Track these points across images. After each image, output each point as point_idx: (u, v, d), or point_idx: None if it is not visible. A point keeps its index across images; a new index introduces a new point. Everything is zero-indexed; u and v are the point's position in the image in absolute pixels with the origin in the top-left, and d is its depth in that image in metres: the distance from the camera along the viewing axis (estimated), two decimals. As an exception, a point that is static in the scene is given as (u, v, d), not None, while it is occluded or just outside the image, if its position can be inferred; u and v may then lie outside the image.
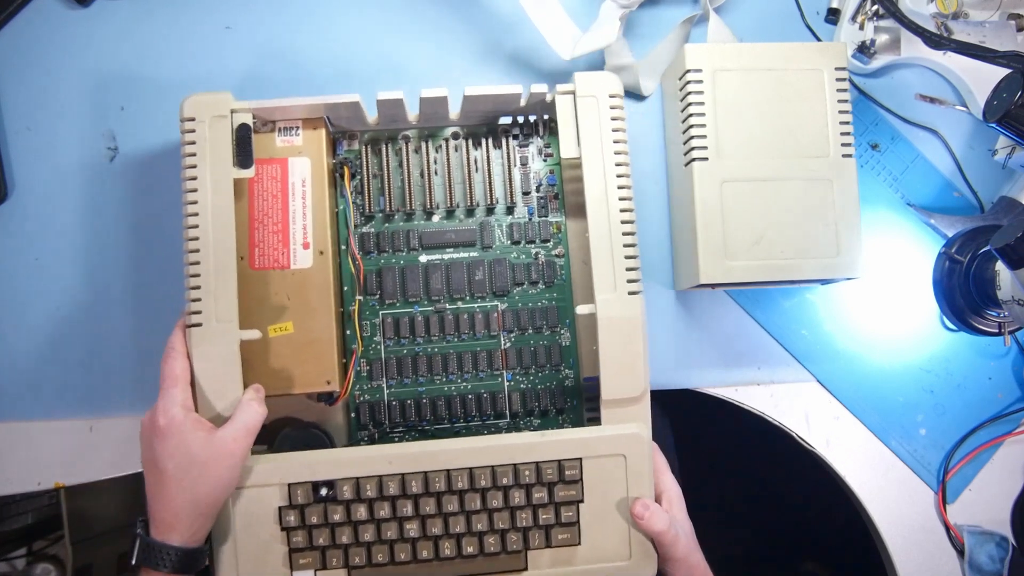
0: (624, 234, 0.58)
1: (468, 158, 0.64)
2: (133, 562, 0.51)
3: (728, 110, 0.63)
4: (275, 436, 0.61)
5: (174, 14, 0.69)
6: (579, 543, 0.57)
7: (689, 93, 0.64)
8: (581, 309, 0.58)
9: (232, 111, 0.57)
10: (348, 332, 0.62)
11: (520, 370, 0.63)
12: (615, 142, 0.58)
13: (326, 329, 0.59)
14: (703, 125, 0.63)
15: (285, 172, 0.60)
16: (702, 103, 0.63)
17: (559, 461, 0.56)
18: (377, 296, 0.63)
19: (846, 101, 0.64)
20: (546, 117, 0.65)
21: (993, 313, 0.67)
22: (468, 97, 0.59)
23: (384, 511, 0.56)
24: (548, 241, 0.65)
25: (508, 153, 0.65)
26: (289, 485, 0.55)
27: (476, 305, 0.64)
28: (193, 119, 0.56)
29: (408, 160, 0.64)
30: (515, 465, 0.56)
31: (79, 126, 0.68)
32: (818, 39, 0.72)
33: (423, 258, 0.64)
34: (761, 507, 1.27)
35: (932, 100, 0.70)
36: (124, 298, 0.66)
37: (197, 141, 0.56)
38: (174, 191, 0.57)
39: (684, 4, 0.72)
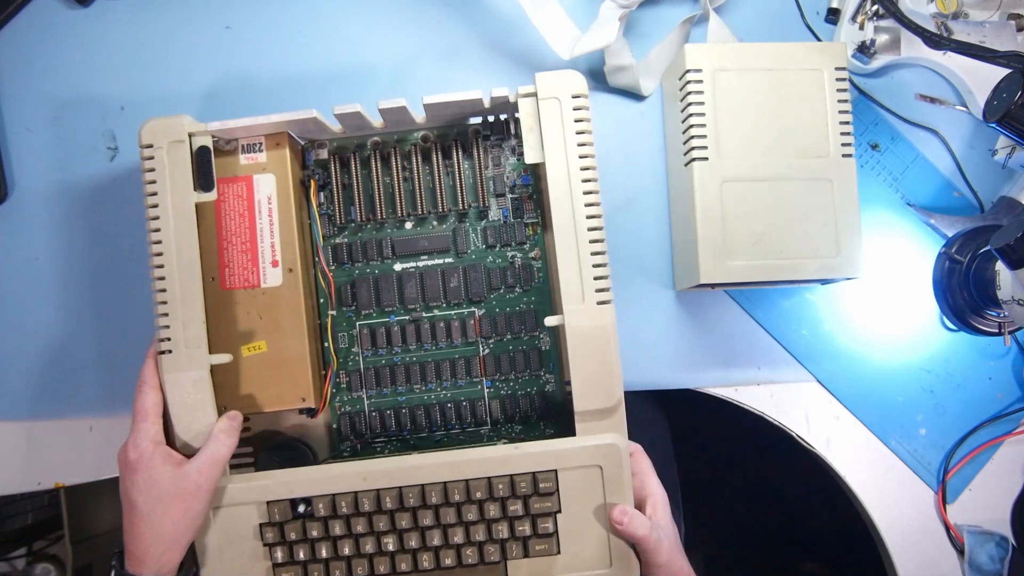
0: (592, 241, 0.55)
1: (439, 162, 0.63)
2: None
3: (728, 110, 0.63)
4: (259, 450, 0.61)
5: (174, 14, 0.69)
6: (558, 552, 0.56)
7: (689, 93, 0.64)
8: (549, 321, 0.56)
9: (190, 135, 0.56)
10: (327, 345, 0.62)
11: (500, 376, 0.63)
12: (580, 145, 0.55)
13: (298, 348, 0.58)
14: (703, 125, 0.63)
15: (251, 190, 0.59)
16: (702, 103, 0.63)
17: (533, 473, 0.55)
18: (353, 307, 0.63)
19: (846, 101, 0.64)
20: (517, 116, 0.62)
21: (993, 313, 0.67)
22: (428, 105, 0.58)
23: (360, 526, 0.55)
24: (524, 244, 0.63)
25: (479, 155, 0.63)
26: (268, 503, 0.55)
27: (453, 312, 0.63)
28: (151, 145, 0.55)
29: (378, 167, 0.63)
30: (489, 478, 0.55)
31: (79, 126, 0.68)
32: (818, 39, 0.72)
33: (397, 266, 0.63)
34: (761, 507, 1.27)
35: (932, 100, 0.70)
36: (124, 298, 0.67)
37: (156, 168, 0.55)
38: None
39: (684, 4, 0.72)
